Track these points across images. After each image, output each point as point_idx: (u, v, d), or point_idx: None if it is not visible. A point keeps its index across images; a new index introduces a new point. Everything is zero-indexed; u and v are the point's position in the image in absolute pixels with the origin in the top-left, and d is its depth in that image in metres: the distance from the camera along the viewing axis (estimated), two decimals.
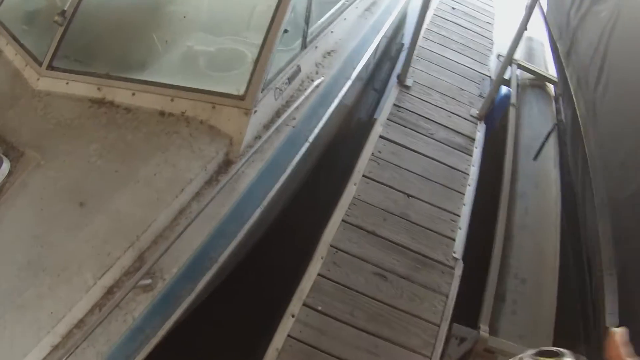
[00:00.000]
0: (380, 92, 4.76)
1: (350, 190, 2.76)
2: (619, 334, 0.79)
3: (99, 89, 2.21)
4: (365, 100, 4.38)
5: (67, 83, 2.24)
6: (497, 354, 2.38)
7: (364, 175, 2.87)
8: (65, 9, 2.29)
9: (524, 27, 3.02)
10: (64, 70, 2.26)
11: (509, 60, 3.18)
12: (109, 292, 1.64)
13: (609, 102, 1.89)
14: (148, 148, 1.97)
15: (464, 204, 2.92)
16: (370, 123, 3.42)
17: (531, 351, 1.04)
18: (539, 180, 3.43)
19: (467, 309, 2.59)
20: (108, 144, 1.99)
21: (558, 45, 2.64)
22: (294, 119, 2.44)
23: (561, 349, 1.00)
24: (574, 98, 2.28)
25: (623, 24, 2.18)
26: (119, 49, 2.44)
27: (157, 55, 2.43)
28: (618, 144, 1.65)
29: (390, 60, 5.13)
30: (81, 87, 2.22)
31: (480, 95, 3.78)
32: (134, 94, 2.17)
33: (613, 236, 1.48)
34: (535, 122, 3.84)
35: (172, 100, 2.15)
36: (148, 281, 1.67)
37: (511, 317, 2.63)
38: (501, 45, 4.55)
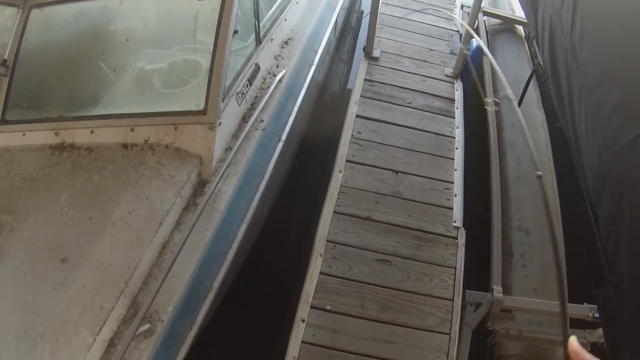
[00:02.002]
0: (348, 63, 4.64)
1: (337, 179, 2.68)
2: (573, 342, 0.77)
3: (56, 133, 2.14)
4: (334, 76, 4.26)
5: (24, 134, 2.18)
6: (515, 312, 2.35)
7: (347, 160, 2.79)
8: (6, 57, 2.20)
9: None
10: (18, 122, 2.20)
11: (476, 13, 3.04)
12: (110, 344, 1.62)
13: (589, 44, 1.77)
14: (117, 186, 1.91)
15: (455, 169, 2.84)
16: (345, 97, 3.28)
17: None
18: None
19: (476, 272, 2.55)
20: (77, 191, 1.93)
21: None
22: (262, 121, 2.35)
23: None
24: (550, 42, 2.17)
25: None
26: (69, 87, 2.35)
27: (109, 84, 2.33)
28: (607, 88, 1.55)
29: (352, 30, 4.98)
30: (39, 136, 2.16)
31: (452, 53, 3.65)
32: (92, 132, 2.11)
33: (610, 187, 1.40)
34: (511, 68, 3.73)
35: (132, 130, 2.07)
36: (146, 326, 1.64)
37: (522, 271, 2.59)
38: None
